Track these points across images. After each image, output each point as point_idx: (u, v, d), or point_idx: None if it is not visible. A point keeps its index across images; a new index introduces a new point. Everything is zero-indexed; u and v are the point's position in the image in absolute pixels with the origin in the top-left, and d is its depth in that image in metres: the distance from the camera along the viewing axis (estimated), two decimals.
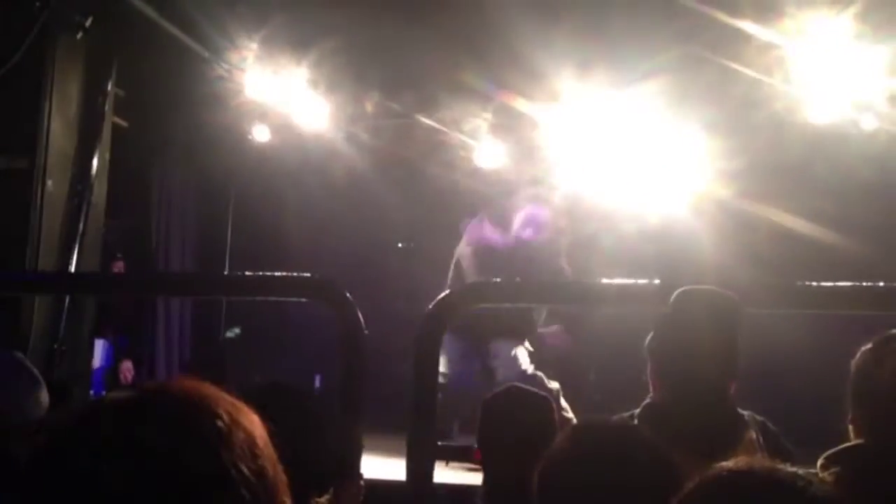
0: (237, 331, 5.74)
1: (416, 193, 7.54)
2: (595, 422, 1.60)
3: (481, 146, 7.05)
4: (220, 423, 0.83)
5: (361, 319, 2.98)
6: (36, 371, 2.49)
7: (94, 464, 0.78)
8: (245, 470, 0.82)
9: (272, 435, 0.90)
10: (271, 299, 5.40)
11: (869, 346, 2.01)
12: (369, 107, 6.88)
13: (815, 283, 2.56)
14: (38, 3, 5.07)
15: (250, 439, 0.85)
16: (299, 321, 7.35)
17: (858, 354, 2.02)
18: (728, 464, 1.23)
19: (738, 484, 1.16)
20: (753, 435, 2.23)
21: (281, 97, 6.50)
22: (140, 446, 0.79)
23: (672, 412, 2.20)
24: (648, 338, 2.37)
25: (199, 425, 0.82)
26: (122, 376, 6.35)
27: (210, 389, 0.87)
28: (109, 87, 5.59)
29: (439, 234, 7.48)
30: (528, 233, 5.62)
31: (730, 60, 5.60)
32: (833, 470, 1.79)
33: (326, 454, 2.00)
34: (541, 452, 2.47)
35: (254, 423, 0.87)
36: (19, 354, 2.54)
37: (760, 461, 1.21)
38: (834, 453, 1.88)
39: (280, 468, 0.88)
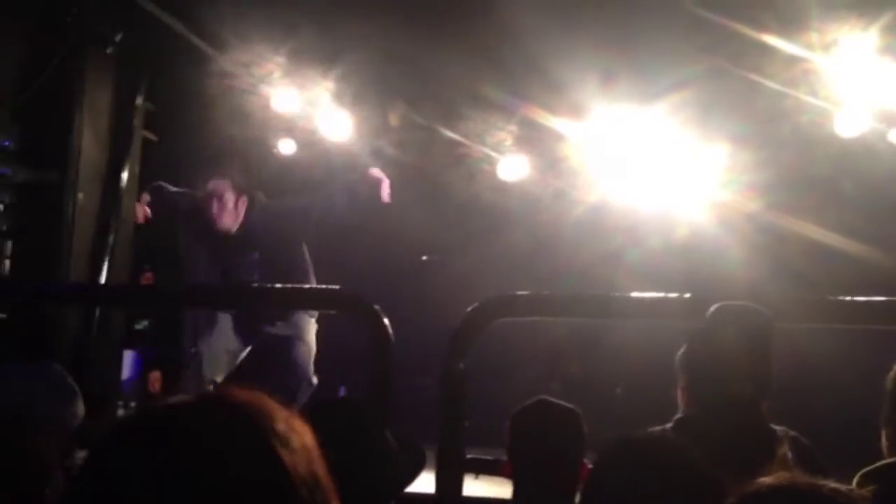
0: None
1: (440, 206, 7.56)
2: (638, 437, 1.60)
3: (505, 159, 7.06)
4: (279, 427, 0.86)
5: (391, 332, 3.01)
6: (73, 382, 2.53)
7: (159, 463, 0.80)
8: (304, 472, 0.84)
9: (325, 448, 0.92)
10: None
11: None
12: (394, 120, 6.92)
13: (847, 298, 2.55)
14: (68, 19, 5.14)
15: (305, 445, 0.88)
16: (322, 332, 7.37)
17: (894, 369, 2.01)
18: (768, 479, 1.23)
19: (780, 499, 1.17)
20: (786, 450, 2.22)
21: (306, 110, 6.55)
22: (205, 447, 0.82)
23: (704, 427, 2.20)
24: (680, 352, 2.38)
25: (260, 429, 0.84)
26: (150, 387, 6.40)
27: (265, 398, 0.89)
28: (139, 101, 5.65)
29: (464, 248, 7.50)
30: None
31: (755, 73, 5.60)
32: (870, 487, 1.78)
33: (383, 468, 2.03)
34: (571, 465, 2.49)
35: (306, 431, 0.90)
36: (58, 365, 2.58)
37: (802, 477, 1.22)
38: (871, 470, 1.87)
39: (329, 476, 0.90)
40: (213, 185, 5.04)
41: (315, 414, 2.03)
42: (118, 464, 0.82)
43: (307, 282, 5.03)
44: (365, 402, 2.70)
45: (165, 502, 0.79)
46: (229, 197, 5.00)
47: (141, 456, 0.82)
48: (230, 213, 5.01)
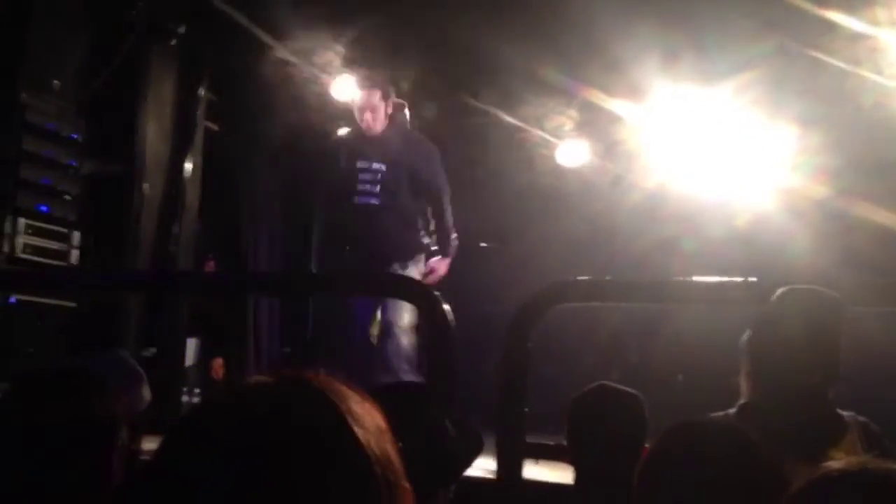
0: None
1: (498, 192, 7.54)
2: (698, 421, 1.59)
3: (563, 144, 7.01)
4: (353, 407, 0.88)
5: (452, 319, 3.01)
6: (139, 368, 2.58)
7: (247, 436, 0.84)
8: (377, 451, 0.87)
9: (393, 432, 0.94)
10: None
11: None
12: (449, 105, 6.91)
13: None
14: (133, 12, 5.24)
15: (378, 425, 0.90)
16: None
17: None
18: (838, 463, 1.20)
19: (852, 484, 1.14)
20: (855, 436, 2.18)
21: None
22: (288, 425, 0.85)
23: (770, 412, 2.16)
24: (744, 337, 2.34)
25: (337, 407, 0.87)
26: (213, 374, 6.52)
27: (336, 380, 0.92)
28: (202, 93, 5.73)
29: (521, 234, 7.47)
30: None
31: (819, 51, 5.46)
32: None
33: (446, 453, 2.04)
34: (633, 450, 2.47)
35: (378, 412, 0.92)
36: (124, 352, 2.64)
37: (873, 461, 1.19)
38: None
39: (398, 456, 0.92)
40: (366, 95, 5.14)
41: (374, 398, 2.05)
42: (205, 439, 0.85)
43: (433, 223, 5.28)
44: (425, 387, 2.71)
45: (247, 478, 0.81)
46: (380, 105, 5.12)
47: (227, 430, 0.85)
48: (381, 121, 5.15)
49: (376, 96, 5.11)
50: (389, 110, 5.18)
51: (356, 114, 5.19)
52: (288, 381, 0.90)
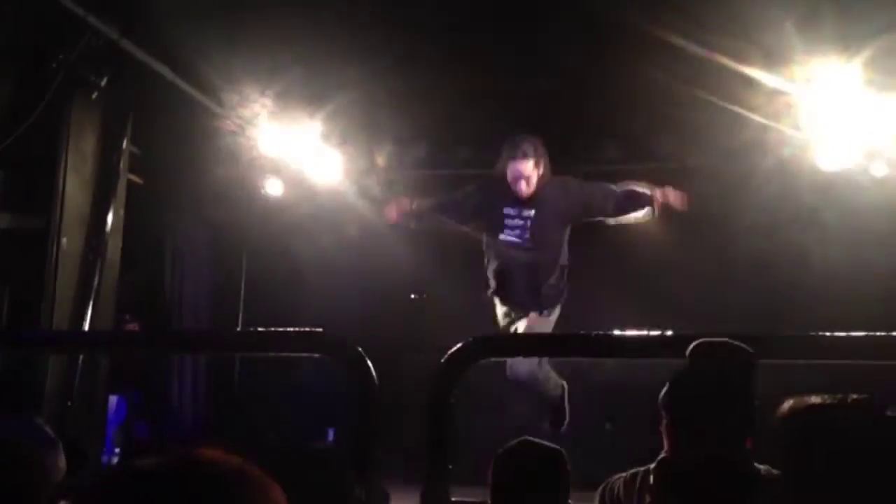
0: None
1: (427, 245, 7.55)
2: None
3: None
4: (249, 494, 0.83)
5: (375, 377, 2.97)
6: (54, 435, 2.48)
7: None
8: None
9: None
10: (284, 355, 5.38)
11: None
12: (380, 160, 6.93)
13: (828, 334, 2.54)
14: (54, 64, 5.15)
15: None
16: (311, 374, 7.36)
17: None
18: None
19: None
20: (770, 490, 2.20)
21: (294, 151, 6.56)
22: None
23: (687, 468, 2.17)
24: (663, 392, 2.36)
25: (227, 500, 0.81)
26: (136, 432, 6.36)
27: (236, 461, 0.86)
28: (124, 145, 5.65)
29: (451, 286, 7.47)
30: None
31: (738, 107, 5.62)
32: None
33: None
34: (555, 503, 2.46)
35: (279, 499, 0.87)
36: (39, 419, 2.53)
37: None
38: None
39: None
40: (521, 166, 5.08)
41: (280, 467, 2.00)
42: None
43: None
44: (334, 451, 2.66)
45: None
46: (533, 173, 5.10)
47: None
48: (533, 186, 5.15)
49: (529, 165, 5.09)
50: (541, 171, 5.15)
51: (510, 181, 5.14)
52: (174, 470, 0.83)
